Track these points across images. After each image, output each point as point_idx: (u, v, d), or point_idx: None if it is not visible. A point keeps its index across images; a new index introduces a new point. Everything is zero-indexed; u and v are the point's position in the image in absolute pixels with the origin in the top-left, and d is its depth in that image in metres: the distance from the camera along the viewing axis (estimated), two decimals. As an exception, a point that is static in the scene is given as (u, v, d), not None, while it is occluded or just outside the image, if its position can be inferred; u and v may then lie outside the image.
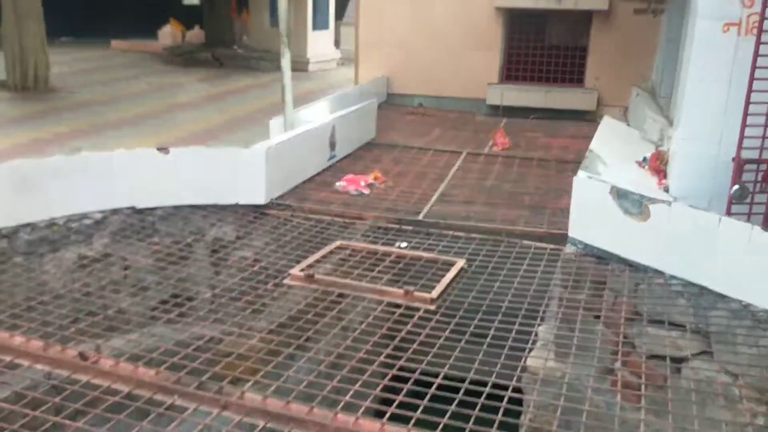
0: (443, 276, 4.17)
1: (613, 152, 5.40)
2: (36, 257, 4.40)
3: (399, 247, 4.66)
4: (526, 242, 4.81)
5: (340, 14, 23.39)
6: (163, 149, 4.88)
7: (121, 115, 12.18)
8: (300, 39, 20.76)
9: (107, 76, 17.07)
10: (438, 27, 9.90)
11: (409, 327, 3.56)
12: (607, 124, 6.58)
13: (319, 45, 21.38)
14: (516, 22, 9.87)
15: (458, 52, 9.96)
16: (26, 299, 3.82)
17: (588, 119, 9.73)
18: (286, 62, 7.13)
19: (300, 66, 20.40)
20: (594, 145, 5.43)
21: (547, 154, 7.48)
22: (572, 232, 4.48)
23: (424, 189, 5.96)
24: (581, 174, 4.40)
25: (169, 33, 22.87)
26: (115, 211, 4.85)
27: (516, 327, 3.61)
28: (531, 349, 3.54)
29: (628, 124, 9.18)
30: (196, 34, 23.06)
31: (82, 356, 3.04)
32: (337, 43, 22.86)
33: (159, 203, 4.96)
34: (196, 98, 14.52)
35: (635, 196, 4.05)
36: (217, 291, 4.10)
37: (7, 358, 3.14)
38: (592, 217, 4.32)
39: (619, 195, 4.14)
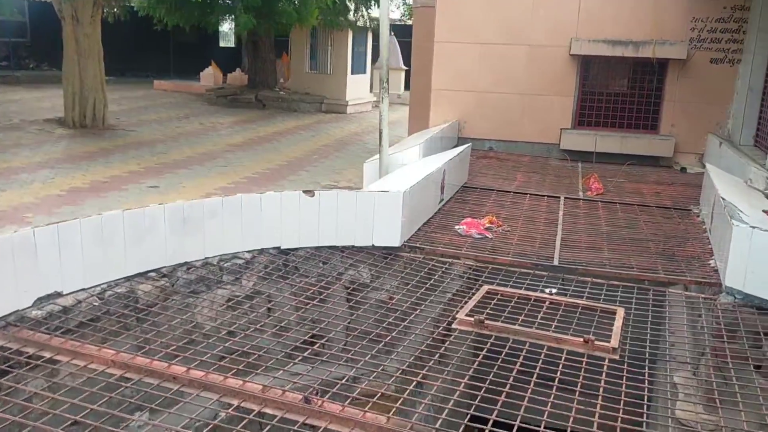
0: (610, 324, 4.14)
1: (739, 201, 5.39)
2: (192, 296, 4.40)
3: (550, 293, 4.63)
4: (673, 290, 4.78)
5: (374, 59, 23.84)
6: (308, 192, 4.91)
7: (185, 154, 12.35)
8: (339, 82, 21.16)
9: (158, 115, 17.39)
10: (510, 72, 10.03)
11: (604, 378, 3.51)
12: (715, 173, 6.59)
13: (357, 88, 21.76)
14: (591, 68, 9.99)
15: (530, 96, 10.07)
16: (183, 335, 3.80)
17: (663, 165, 9.77)
18: (384, 107, 7.20)
19: (339, 108, 20.76)
20: (723, 193, 5.42)
21: (643, 200, 7.49)
22: (729, 281, 4.44)
23: (542, 233, 5.95)
24: (742, 224, 4.38)
25: (211, 75, 23.33)
26: (261, 251, 4.86)
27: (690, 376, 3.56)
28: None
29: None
30: (236, 77, 23.49)
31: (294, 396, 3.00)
32: (371, 87, 23.23)
33: (301, 244, 4.97)
34: (250, 138, 14.74)
35: (808, 246, 4.03)
36: (377, 332, 4.06)
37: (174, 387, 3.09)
38: (754, 267, 4.29)
39: (789, 245, 4.11)
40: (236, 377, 3.20)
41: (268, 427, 2.88)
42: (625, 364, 3.71)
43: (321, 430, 2.86)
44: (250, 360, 3.60)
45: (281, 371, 3.56)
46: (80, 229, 3.85)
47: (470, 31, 10.08)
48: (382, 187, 5.36)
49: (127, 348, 3.51)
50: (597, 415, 3.08)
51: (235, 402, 3.02)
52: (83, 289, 3.90)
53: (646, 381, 3.52)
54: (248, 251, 4.81)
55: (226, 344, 3.79)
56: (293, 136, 15.65)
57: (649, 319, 4.38)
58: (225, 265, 4.66)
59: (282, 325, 4.39)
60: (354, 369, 3.75)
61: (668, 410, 3.49)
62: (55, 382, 3.19)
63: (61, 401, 2.94)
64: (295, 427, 2.87)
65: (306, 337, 4.54)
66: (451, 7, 10.14)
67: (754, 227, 4.33)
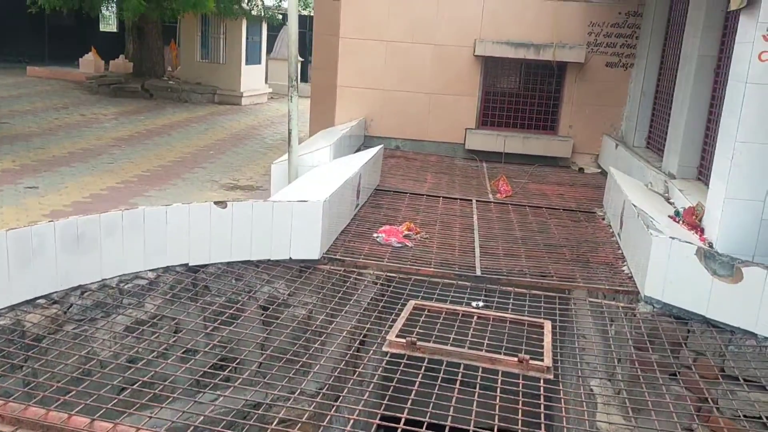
0: (539, 338, 4.07)
1: (649, 208, 5.54)
2: (87, 323, 3.90)
3: (477, 307, 4.51)
4: (593, 300, 4.82)
5: (269, 49, 23.14)
6: (220, 203, 4.51)
7: (65, 149, 11.37)
8: (233, 72, 20.35)
9: (33, 105, 15.95)
10: (416, 70, 9.93)
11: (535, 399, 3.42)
12: (619, 176, 6.77)
13: (252, 79, 21.04)
14: (494, 69, 10.07)
15: (436, 96, 10.03)
16: (74, 370, 3.34)
17: (562, 165, 10.04)
18: (294, 105, 6.86)
19: (233, 99, 19.99)
20: (633, 199, 5.54)
21: (550, 202, 7.61)
22: (648, 291, 4.51)
23: (459, 240, 5.87)
24: (661, 235, 4.45)
25: (91, 61, 21.71)
26: (167, 269, 4.41)
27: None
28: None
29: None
30: (119, 64, 22.03)
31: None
32: (266, 78, 22.60)
33: (211, 260, 4.56)
34: (138, 132, 13.82)
35: (724, 258, 4.14)
36: (294, 352, 3.79)
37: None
38: (672, 277, 4.37)
39: (707, 256, 4.21)
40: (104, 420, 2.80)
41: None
42: (559, 378, 3.65)
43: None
44: (155, 391, 3.21)
45: (191, 402, 3.22)
46: (-48, 254, 3.28)
47: (376, 29, 9.88)
48: (298, 196, 5.03)
49: (15, 393, 3.01)
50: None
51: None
52: (-42, 325, 3.34)
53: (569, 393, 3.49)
54: (152, 270, 4.34)
55: (126, 374, 3.36)
56: (185, 129, 14.83)
57: (575, 332, 4.37)
58: (125, 287, 4.18)
59: (190, 348, 4.01)
60: (268, 394, 3.47)
61: (585, 420, 3.44)
62: None
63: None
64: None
65: (216, 361, 4.18)
66: (356, 4, 9.88)
67: (673, 238, 4.40)
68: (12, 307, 3.62)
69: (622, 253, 5.65)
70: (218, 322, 4.10)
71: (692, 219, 5.57)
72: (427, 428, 2.97)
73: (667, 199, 6.71)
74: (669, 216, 5.84)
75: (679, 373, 4.12)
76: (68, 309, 3.88)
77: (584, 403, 3.72)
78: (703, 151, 6.82)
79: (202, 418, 2.92)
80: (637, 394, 3.73)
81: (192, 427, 2.81)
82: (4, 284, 3.56)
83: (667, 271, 4.40)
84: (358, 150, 9.04)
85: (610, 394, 4.34)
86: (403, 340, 3.88)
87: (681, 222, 5.72)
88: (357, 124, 9.62)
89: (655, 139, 8.83)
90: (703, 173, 6.73)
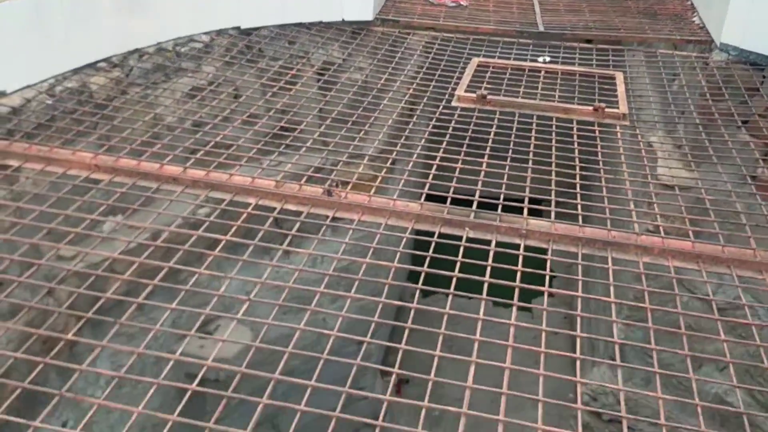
0: (612, 90, 3.95)
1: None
2: (150, 87, 3.82)
3: (544, 62, 4.33)
4: (663, 51, 4.59)
5: None
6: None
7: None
8: None
9: None
10: None
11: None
12: None
13: None
14: None
15: None
16: (144, 134, 3.32)
17: None
18: None
19: None
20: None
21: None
22: (725, 38, 4.26)
23: (516, -1, 5.50)
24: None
25: None
26: (220, 32, 4.23)
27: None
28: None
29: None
30: None
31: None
32: None
33: (263, 22, 4.35)
34: None
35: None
36: (381, 113, 3.72)
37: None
38: (756, 19, 4.09)
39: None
40: (243, 174, 2.85)
41: (297, 224, 2.62)
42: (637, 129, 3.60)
43: (355, 222, 2.63)
44: (230, 151, 3.19)
45: (262, 164, 3.21)
46: (11, 12, 3.13)
47: None
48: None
49: (95, 148, 3.03)
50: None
51: (252, 200, 2.70)
52: (29, 86, 3.28)
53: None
54: (205, 33, 4.17)
55: (197, 136, 3.35)
56: None
57: (647, 82, 4.23)
58: (181, 50, 4.04)
59: (252, 113, 3.96)
60: (332, 157, 3.43)
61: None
62: (16, 191, 2.74)
63: (28, 210, 2.56)
64: (327, 222, 2.62)
65: (277, 129, 4.15)
66: None
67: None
68: (76, 71, 3.53)
69: (692, 3, 5.27)
70: (276, 87, 3.99)
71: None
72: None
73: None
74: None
75: (749, 121, 4.01)
76: (129, 72, 3.79)
77: (645, 157, 3.60)
78: None
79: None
80: (701, 145, 3.61)
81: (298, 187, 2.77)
82: (65, 46, 3.44)
83: (749, 14, 4.11)
84: None
85: (674, 146, 4.30)
86: (473, 95, 3.78)
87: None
88: None
89: None
90: None
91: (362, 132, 3.50)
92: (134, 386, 3.71)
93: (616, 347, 2.13)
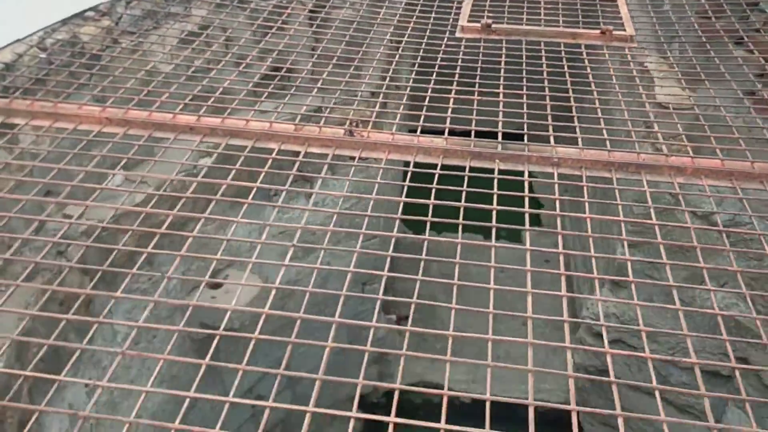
0: (614, 10, 3.88)
1: None
2: (142, 35, 3.64)
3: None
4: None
5: None
6: None
7: None
8: None
9: None
10: None
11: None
12: None
13: None
14: None
15: None
16: (142, 84, 3.19)
17: None
18: None
19: None
20: None
21: None
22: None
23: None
24: None
25: None
26: (207, -27, 4.03)
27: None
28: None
29: None
30: None
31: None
32: None
33: (251, -41, 4.15)
34: None
35: None
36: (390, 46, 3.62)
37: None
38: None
39: None
40: (260, 119, 2.76)
41: (327, 166, 2.56)
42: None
43: (383, 161, 2.58)
44: (227, 97, 3.07)
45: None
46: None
47: None
48: None
49: (99, 101, 2.91)
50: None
51: (273, 145, 2.63)
52: (19, 41, 3.10)
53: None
54: (193, -27, 3.97)
55: (203, 83, 3.22)
56: None
57: (647, 1, 4.16)
58: (170, -7, 3.85)
59: (246, 62, 3.82)
60: (325, 99, 3.33)
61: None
62: (15, 149, 2.62)
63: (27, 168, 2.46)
64: (355, 162, 2.57)
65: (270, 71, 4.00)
66: None
67: None
68: (64, 21, 3.35)
69: None
70: (274, 29, 3.83)
71: None
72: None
73: None
74: None
75: (747, 37, 3.98)
76: (119, 20, 3.61)
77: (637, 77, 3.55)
78: None
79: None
80: (698, 63, 3.55)
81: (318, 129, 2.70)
82: (50, -5, 3.25)
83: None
84: None
85: (668, 67, 4.26)
86: (477, 24, 3.69)
87: None
88: None
89: None
90: None
91: (371, 69, 3.40)
92: (150, 341, 3.69)
93: (629, 264, 2.19)
